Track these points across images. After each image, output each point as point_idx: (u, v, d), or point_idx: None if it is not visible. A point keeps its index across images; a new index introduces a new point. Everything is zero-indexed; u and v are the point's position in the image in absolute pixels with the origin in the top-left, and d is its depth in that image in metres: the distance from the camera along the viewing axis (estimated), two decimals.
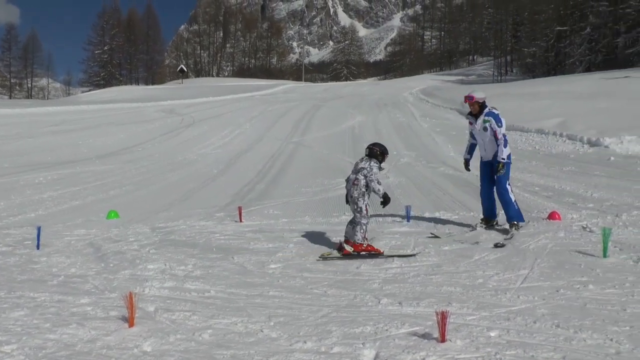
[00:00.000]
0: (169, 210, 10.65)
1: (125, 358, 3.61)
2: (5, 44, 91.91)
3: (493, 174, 7.68)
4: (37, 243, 7.11)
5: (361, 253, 6.48)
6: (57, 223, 9.29)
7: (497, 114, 7.78)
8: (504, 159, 7.45)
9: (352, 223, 6.74)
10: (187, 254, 6.74)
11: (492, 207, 7.84)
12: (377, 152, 6.84)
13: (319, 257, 6.45)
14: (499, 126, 7.64)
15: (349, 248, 6.56)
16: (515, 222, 7.43)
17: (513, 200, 7.58)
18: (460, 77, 74.61)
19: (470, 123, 8.23)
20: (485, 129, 7.80)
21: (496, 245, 6.52)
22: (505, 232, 7.38)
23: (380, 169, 6.81)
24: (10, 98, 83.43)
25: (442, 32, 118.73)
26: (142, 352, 3.73)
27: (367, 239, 6.67)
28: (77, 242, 7.57)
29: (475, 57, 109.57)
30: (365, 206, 6.68)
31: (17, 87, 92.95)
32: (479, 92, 8.10)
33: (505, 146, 7.50)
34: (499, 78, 71.78)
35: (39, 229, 7.25)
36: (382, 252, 6.46)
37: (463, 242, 6.93)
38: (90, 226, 8.85)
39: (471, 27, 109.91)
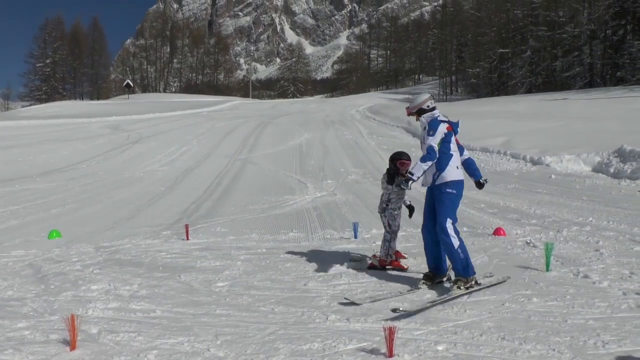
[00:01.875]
0: (114, 229, 10.40)
1: None
2: None
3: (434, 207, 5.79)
4: None
5: (386, 267, 6.53)
6: None
7: (433, 119, 5.84)
8: (411, 173, 5.58)
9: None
10: (133, 273, 6.59)
11: (439, 256, 5.84)
12: (389, 165, 7.05)
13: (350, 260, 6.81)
14: (429, 135, 5.72)
15: (374, 261, 6.63)
16: (461, 278, 5.46)
17: (456, 245, 5.50)
18: (406, 96, 75.73)
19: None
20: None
21: (394, 310, 4.78)
22: (445, 290, 5.54)
23: (392, 179, 6.92)
24: None
25: (388, 51, 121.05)
26: None
27: (391, 255, 6.61)
28: (14, 263, 7.30)
29: (421, 76, 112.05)
30: (388, 222, 6.75)
31: None
32: (418, 98, 6.13)
33: (424, 160, 5.58)
34: (445, 97, 73.55)
35: None
36: (406, 269, 6.47)
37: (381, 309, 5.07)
38: (30, 246, 8.56)
39: (417, 47, 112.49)
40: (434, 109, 5.98)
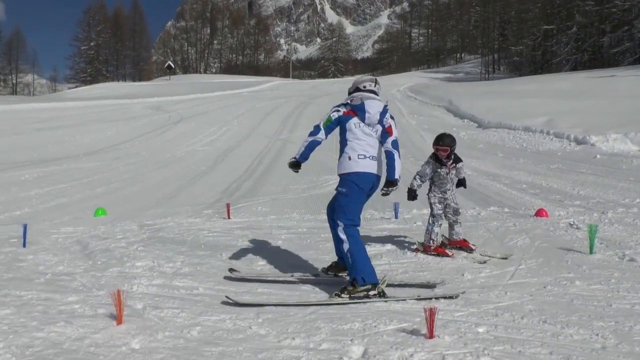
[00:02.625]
0: (156, 208, 10.60)
1: (114, 356, 3.60)
2: None
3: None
4: (23, 241, 7.05)
5: (429, 254, 6.22)
6: (44, 221, 9.22)
7: (342, 103, 5.34)
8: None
9: None
10: (175, 251, 6.71)
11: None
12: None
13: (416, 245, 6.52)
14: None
15: (419, 247, 6.43)
16: (350, 286, 4.73)
17: (346, 249, 4.90)
18: (447, 75, 74.99)
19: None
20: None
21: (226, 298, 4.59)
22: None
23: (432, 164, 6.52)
24: None
25: (430, 30, 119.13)
26: (131, 349, 3.71)
27: (434, 240, 6.28)
28: (64, 239, 7.52)
29: (462, 55, 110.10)
30: (430, 205, 6.58)
31: (2, 84, 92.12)
32: (360, 77, 5.72)
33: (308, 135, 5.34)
34: (486, 76, 72.19)
35: (24, 226, 7.19)
36: (451, 255, 6.15)
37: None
38: (78, 224, 8.79)
39: (459, 25, 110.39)
40: (372, 92, 5.27)
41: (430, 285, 4.97)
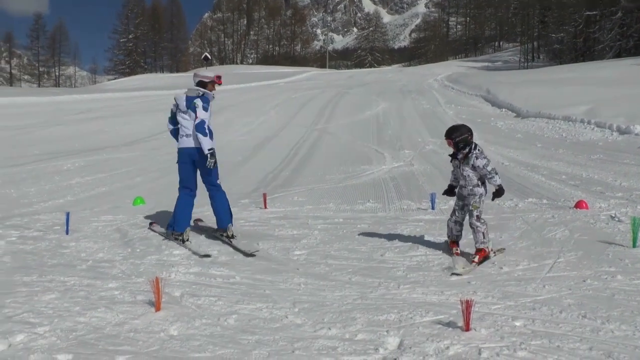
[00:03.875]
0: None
1: (152, 342, 3.67)
2: (34, 33, 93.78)
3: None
4: (66, 228, 7.23)
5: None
6: (85, 209, 9.42)
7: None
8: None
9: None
10: (213, 239, 6.79)
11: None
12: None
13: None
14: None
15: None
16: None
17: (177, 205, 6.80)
18: (485, 64, 73.71)
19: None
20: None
21: None
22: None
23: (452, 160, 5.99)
24: (39, 86, 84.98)
25: (468, 18, 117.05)
26: (169, 336, 3.78)
27: (447, 233, 6.10)
28: (104, 227, 7.68)
29: (501, 43, 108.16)
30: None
31: (45, 76, 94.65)
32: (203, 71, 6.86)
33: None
34: (525, 64, 70.73)
35: (67, 214, 7.37)
36: (457, 253, 5.85)
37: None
38: (117, 212, 8.97)
39: (497, 13, 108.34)
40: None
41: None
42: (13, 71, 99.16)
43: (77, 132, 21.93)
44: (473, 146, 5.76)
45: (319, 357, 3.42)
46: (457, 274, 5.17)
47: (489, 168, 5.72)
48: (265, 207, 9.06)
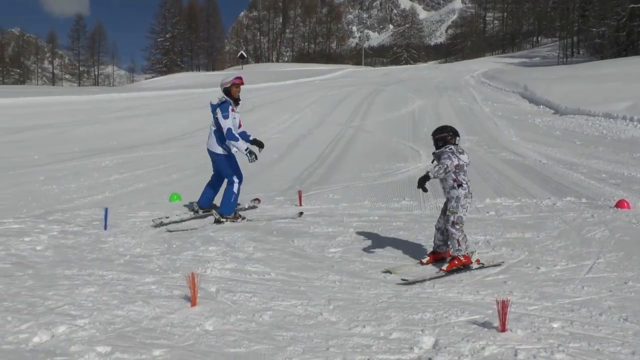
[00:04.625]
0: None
1: (188, 336, 3.72)
2: (74, 34, 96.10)
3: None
4: (104, 224, 7.37)
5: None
6: (123, 205, 9.59)
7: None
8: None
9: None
10: (248, 236, 6.84)
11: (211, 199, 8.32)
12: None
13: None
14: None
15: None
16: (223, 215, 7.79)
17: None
18: (523, 60, 72.46)
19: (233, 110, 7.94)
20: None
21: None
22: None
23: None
24: (79, 85, 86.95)
25: (505, 13, 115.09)
26: (204, 331, 3.83)
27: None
28: (141, 223, 7.81)
29: (539, 39, 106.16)
30: None
31: (85, 75, 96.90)
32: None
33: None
34: (565, 60, 69.25)
35: (106, 210, 7.51)
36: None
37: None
38: (154, 208, 9.09)
39: (535, 7, 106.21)
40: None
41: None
42: (55, 71, 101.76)
43: (115, 130, 22.32)
44: (449, 147, 5.50)
45: (354, 355, 3.42)
46: (405, 281, 5.00)
47: (445, 165, 5.35)
48: (301, 205, 9.08)
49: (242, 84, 7.94)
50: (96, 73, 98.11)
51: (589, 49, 67.58)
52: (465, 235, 5.44)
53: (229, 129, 7.60)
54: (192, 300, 4.30)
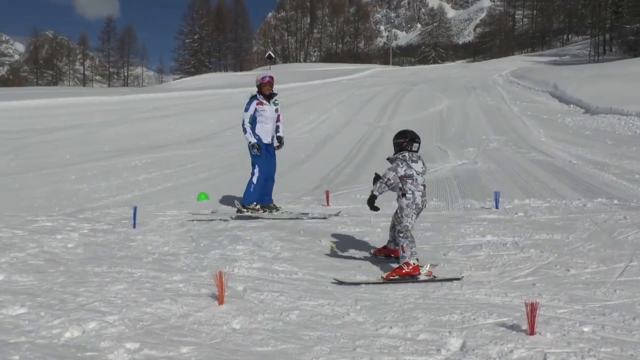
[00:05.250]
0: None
1: (215, 334, 3.74)
2: (105, 35, 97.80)
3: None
4: (133, 222, 7.46)
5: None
6: (151, 204, 9.71)
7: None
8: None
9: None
10: (275, 236, 6.86)
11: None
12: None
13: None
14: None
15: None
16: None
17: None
18: (553, 58, 71.44)
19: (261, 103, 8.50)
20: (277, 110, 8.63)
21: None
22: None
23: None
24: (109, 86, 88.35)
25: (535, 11, 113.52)
26: (232, 329, 3.85)
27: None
28: (169, 222, 7.90)
29: (569, 36, 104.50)
30: None
31: (115, 76, 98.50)
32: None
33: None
34: (596, 58, 68.00)
35: (135, 209, 7.61)
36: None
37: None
38: (182, 207, 9.19)
39: (566, 4, 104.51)
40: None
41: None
42: (86, 72, 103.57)
43: (144, 130, 22.60)
44: (402, 155, 5.39)
45: (380, 356, 3.41)
46: (336, 281, 5.01)
47: (385, 179, 5.33)
48: (328, 204, 9.09)
49: (270, 82, 8.48)
50: (126, 74, 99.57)
51: (622, 47, 66.32)
52: (411, 243, 5.22)
53: (243, 120, 8.41)
54: (219, 299, 4.33)
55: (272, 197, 8.86)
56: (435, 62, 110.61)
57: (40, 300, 4.33)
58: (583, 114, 21.59)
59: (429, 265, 5.19)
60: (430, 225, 7.30)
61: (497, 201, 8.37)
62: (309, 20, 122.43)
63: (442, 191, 10.33)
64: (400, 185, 5.35)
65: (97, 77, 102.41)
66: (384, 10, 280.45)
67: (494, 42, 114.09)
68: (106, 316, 3.99)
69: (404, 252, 5.18)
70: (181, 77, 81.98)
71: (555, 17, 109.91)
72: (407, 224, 5.31)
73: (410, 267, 5.10)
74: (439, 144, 16.80)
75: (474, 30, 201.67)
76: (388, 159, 5.52)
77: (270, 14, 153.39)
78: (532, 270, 5.16)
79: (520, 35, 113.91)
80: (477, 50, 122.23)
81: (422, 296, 4.51)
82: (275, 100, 8.61)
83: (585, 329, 3.64)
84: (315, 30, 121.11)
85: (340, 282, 4.96)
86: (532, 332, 3.55)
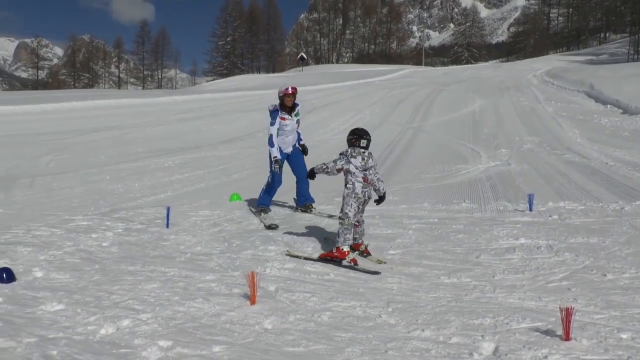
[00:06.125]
0: (288, 194, 10.89)
1: (247, 334, 3.77)
2: (139, 39, 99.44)
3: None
4: (166, 222, 7.56)
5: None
6: (184, 204, 9.80)
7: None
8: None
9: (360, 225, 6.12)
10: (307, 236, 6.88)
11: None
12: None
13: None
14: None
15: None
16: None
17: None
18: (589, 57, 69.98)
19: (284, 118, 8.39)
20: (298, 121, 8.62)
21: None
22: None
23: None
24: (143, 88, 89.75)
25: (571, 9, 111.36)
26: (263, 329, 3.87)
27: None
28: (202, 222, 7.97)
29: (607, 35, 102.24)
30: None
31: (149, 79, 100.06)
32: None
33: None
34: (635, 57, 66.45)
35: (168, 209, 7.70)
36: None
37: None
38: (214, 207, 9.27)
39: (603, 2, 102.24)
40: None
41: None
42: (121, 75, 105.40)
43: (177, 131, 22.90)
44: (346, 150, 6.06)
45: (412, 358, 3.39)
46: (289, 253, 6.01)
47: (325, 165, 6.16)
48: None
49: (294, 93, 8.40)
50: (159, 76, 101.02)
51: None
52: (346, 230, 5.84)
53: (271, 135, 8.25)
54: (251, 299, 4.36)
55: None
56: (468, 62, 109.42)
57: (77, 297, 4.43)
58: (621, 115, 21.11)
59: (355, 254, 5.87)
60: (462, 227, 7.22)
61: (530, 203, 8.23)
62: (341, 21, 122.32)
63: (475, 193, 10.22)
64: (345, 176, 6.07)
65: (132, 80, 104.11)
66: (417, 11, 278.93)
67: (528, 41, 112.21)
68: (140, 314, 4.05)
69: (338, 237, 5.85)
70: (214, 79, 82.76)
71: (592, 15, 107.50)
72: (347, 211, 5.91)
73: (340, 252, 5.75)
74: (472, 145, 16.62)
75: (508, 29, 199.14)
76: (340, 153, 6.16)
77: (302, 15, 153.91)
78: (567, 274, 5.06)
79: (555, 34, 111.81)
80: (510, 50, 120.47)
81: (454, 299, 4.47)
82: (297, 111, 8.59)
83: (624, 336, 3.56)
84: (347, 31, 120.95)
85: (289, 254, 5.97)
86: (567, 337, 3.48)
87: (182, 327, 3.87)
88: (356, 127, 6.35)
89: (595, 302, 4.22)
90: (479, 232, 6.88)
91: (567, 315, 3.46)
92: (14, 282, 4.80)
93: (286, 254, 5.98)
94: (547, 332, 3.64)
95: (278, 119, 8.27)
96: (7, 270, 4.86)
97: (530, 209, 8.14)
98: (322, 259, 5.80)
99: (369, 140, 6.04)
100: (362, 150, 5.99)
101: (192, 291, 4.69)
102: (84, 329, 3.75)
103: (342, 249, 5.74)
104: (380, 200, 6.22)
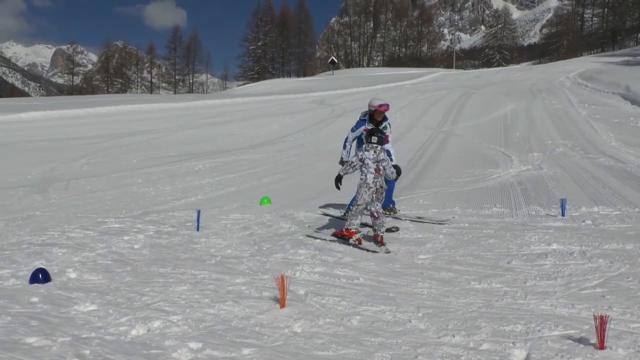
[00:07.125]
0: (318, 198, 10.93)
1: (277, 337, 3.78)
2: (171, 44, 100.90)
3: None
4: (197, 225, 7.64)
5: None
6: (215, 207, 9.90)
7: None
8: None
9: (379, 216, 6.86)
10: (337, 240, 6.88)
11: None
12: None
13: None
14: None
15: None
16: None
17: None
18: (625, 59, 68.27)
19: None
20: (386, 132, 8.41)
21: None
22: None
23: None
24: (174, 93, 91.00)
25: (606, 9, 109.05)
26: (293, 332, 3.88)
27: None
28: (232, 225, 8.03)
29: None
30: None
31: (181, 83, 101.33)
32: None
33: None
34: None
35: (198, 212, 7.79)
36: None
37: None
38: (245, 211, 9.33)
39: None
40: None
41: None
42: (153, 80, 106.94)
43: (208, 135, 23.10)
44: (363, 146, 7.30)
45: None
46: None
47: (349, 162, 7.24)
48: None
49: (386, 110, 8.32)
50: (191, 81, 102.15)
51: None
52: (355, 215, 6.79)
53: (347, 138, 8.48)
54: (281, 302, 4.37)
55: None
56: (499, 64, 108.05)
57: (109, 298, 4.50)
58: None
59: (360, 234, 6.86)
60: (493, 232, 7.14)
61: (563, 208, 8.09)
62: (372, 24, 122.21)
63: (506, 197, 10.09)
64: (359, 170, 6.90)
65: (164, 85, 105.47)
66: (448, 13, 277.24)
67: (561, 42, 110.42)
68: (170, 316, 4.10)
69: (348, 220, 6.86)
70: (245, 83, 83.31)
71: (628, 15, 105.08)
72: (359, 198, 6.77)
73: (349, 232, 6.79)
74: (503, 149, 16.42)
75: (540, 31, 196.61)
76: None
77: (333, 19, 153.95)
78: (601, 281, 4.95)
79: (590, 35, 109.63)
80: (543, 52, 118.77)
81: (485, 305, 4.41)
82: (385, 125, 8.41)
83: None
84: (378, 35, 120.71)
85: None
86: (602, 346, 3.40)
87: (212, 329, 3.90)
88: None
89: (632, 311, 4.11)
90: (510, 237, 6.80)
91: (601, 323, 3.38)
92: (49, 283, 4.93)
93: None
94: (580, 340, 3.56)
95: (361, 129, 8.26)
96: (43, 271, 5.01)
97: (563, 214, 8.00)
98: (335, 235, 6.94)
99: (379, 137, 6.98)
100: (375, 145, 6.89)
101: (222, 294, 4.73)
102: (116, 330, 3.82)
103: (350, 229, 6.77)
104: (397, 174, 7.31)
